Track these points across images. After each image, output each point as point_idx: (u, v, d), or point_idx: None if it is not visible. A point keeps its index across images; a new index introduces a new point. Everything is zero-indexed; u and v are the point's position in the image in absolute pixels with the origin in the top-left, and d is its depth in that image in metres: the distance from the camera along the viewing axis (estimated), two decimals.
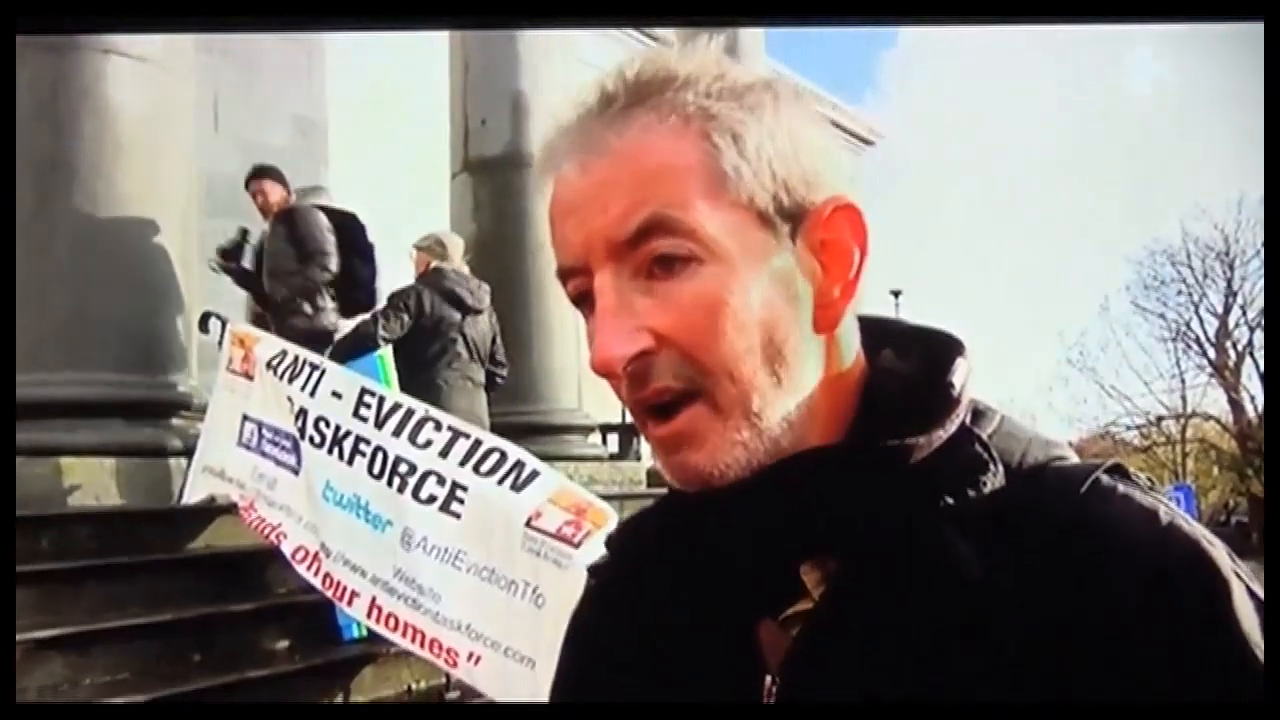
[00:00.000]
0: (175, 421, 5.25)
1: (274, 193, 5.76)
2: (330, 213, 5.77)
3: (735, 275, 0.60)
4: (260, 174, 5.90)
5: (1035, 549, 0.58)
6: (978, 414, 0.65)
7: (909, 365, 0.67)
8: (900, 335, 0.70)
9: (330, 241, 5.65)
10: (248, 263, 5.93)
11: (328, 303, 5.67)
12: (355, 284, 5.82)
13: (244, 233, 6.00)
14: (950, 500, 0.60)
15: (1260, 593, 0.57)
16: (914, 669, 0.58)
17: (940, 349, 0.68)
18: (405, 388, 4.55)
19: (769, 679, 0.63)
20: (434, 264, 5.54)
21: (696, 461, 0.61)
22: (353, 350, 4.95)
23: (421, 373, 5.18)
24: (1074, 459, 0.65)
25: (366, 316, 5.42)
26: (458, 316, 5.44)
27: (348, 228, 5.78)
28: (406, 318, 5.28)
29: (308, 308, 5.57)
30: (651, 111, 0.61)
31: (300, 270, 5.58)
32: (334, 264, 5.65)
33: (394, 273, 6.03)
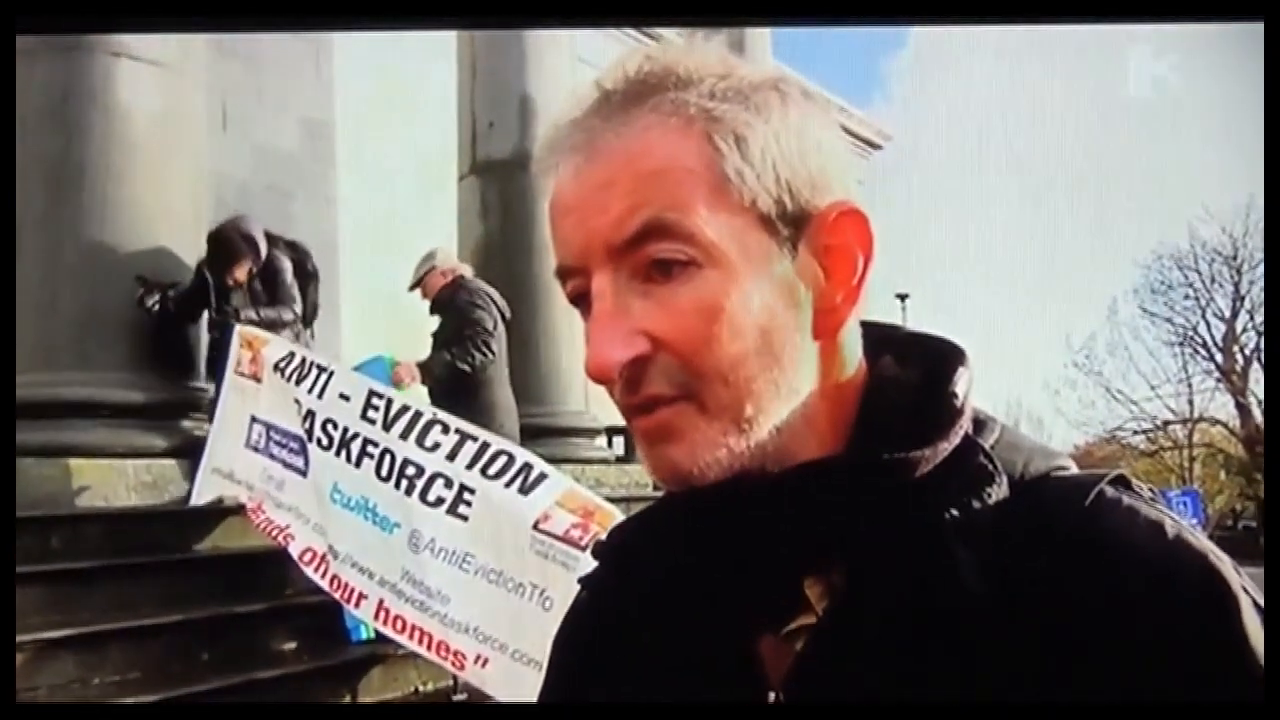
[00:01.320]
0: (184, 423, 5.26)
1: (243, 270, 5.26)
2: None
3: (734, 280, 0.59)
4: (231, 257, 5.20)
5: (1040, 561, 0.57)
6: (979, 424, 0.64)
7: (910, 374, 0.66)
8: (900, 342, 0.68)
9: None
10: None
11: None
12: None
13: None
14: (955, 513, 0.59)
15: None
16: (920, 683, 0.57)
17: (942, 357, 0.66)
18: (452, 377, 4.75)
19: (772, 695, 0.62)
20: (463, 274, 5.57)
21: (676, 456, 0.60)
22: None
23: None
24: (1074, 469, 0.65)
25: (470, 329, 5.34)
26: (500, 319, 5.54)
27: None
28: (492, 323, 5.38)
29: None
30: (653, 111, 0.60)
31: (288, 306, 5.39)
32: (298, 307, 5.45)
33: (396, 276, 6.02)
